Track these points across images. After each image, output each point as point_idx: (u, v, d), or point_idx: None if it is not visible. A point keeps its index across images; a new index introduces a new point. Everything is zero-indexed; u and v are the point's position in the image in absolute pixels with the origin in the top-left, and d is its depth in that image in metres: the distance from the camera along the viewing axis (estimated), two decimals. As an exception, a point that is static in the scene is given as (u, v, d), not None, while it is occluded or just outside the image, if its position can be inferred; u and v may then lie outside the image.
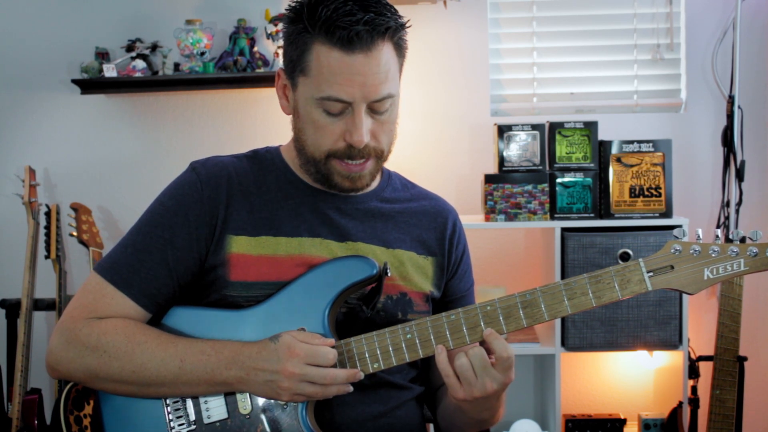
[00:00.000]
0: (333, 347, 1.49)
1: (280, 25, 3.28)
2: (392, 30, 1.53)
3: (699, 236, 1.50)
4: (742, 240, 1.47)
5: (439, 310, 1.59)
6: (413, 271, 1.69)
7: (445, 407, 1.71)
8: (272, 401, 1.52)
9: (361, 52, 1.50)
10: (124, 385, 1.53)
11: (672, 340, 3.00)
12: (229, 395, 1.53)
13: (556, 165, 3.08)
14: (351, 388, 1.50)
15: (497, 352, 1.48)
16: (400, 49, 1.59)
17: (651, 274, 1.48)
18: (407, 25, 1.58)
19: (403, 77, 1.66)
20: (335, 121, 1.55)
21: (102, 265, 1.59)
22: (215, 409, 1.53)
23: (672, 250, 1.48)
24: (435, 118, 3.46)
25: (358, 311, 1.60)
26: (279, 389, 1.47)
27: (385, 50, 1.53)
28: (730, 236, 1.48)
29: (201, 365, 1.50)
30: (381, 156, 1.62)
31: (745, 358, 2.96)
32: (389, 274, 1.60)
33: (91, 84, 3.37)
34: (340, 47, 1.50)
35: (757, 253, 1.45)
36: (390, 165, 1.81)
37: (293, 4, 1.57)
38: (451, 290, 1.78)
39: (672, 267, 1.48)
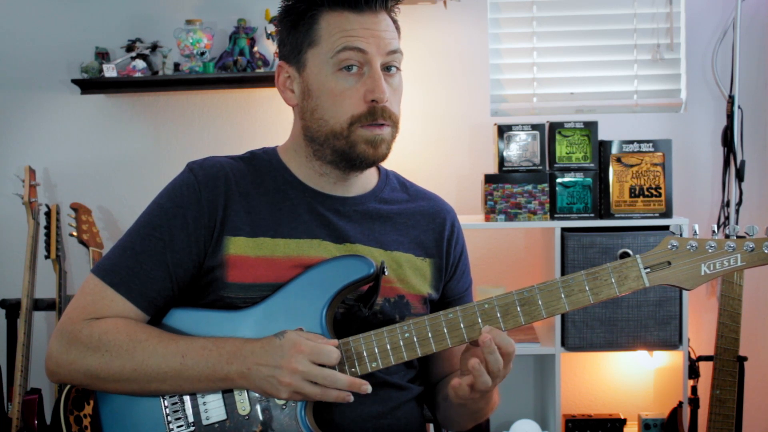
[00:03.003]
0: (336, 347, 1.49)
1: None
2: (389, 1, 1.61)
3: (696, 232, 1.50)
4: (740, 236, 1.47)
5: (438, 311, 1.59)
6: (411, 274, 1.69)
7: (444, 403, 1.71)
8: (271, 402, 1.51)
9: (370, 12, 1.58)
10: (125, 383, 1.53)
11: (672, 340, 3.00)
12: (228, 396, 1.53)
13: (556, 165, 3.08)
14: (351, 398, 1.49)
15: (502, 348, 1.47)
16: (396, 25, 1.64)
17: (648, 270, 1.48)
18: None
19: (403, 77, 1.67)
20: (353, 84, 1.57)
21: (100, 268, 1.58)
22: (214, 410, 1.53)
23: (669, 246, 1.48)
24: (435, 118, 3.46)
25: (356, 311, 1.60)
26: (279, 384, 1.46)
27: (388, 20, 1.61)
28: (727, 232, 1.48)
29: (203, 360, 1.49)
30: (395, 126, 1.63)
31: (745, 358, 2.95)
32: (386, 273, 1.60)
33: (91, 84, 3.37)
34: (349, 9, 1.57)
35: (754, 248, 1.45)
36: (390, 165, 1.81)
37: None
38: (450, 291, 1.78)
39: (669, 263, 1.48)
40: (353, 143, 1.58)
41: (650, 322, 2.98)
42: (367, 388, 1.48)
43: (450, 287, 1.77)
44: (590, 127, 3.09)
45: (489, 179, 3.07)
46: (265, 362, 1.46)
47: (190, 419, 1.53)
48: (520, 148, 3.10)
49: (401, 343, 1.52)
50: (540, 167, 3.09)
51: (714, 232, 1.55)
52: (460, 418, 1.69)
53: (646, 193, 3.05)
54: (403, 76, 1.66)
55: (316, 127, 1.61)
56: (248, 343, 1.49)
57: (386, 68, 1.59)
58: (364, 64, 1.57)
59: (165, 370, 1.50)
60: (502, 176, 3.08)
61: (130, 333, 1.52)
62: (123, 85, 3.37)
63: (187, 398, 1.54)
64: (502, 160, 3.10)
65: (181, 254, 1.58)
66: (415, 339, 1.51)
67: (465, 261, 1.81)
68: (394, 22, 1.63)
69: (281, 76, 1.66)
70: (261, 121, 3.49)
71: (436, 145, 3.46)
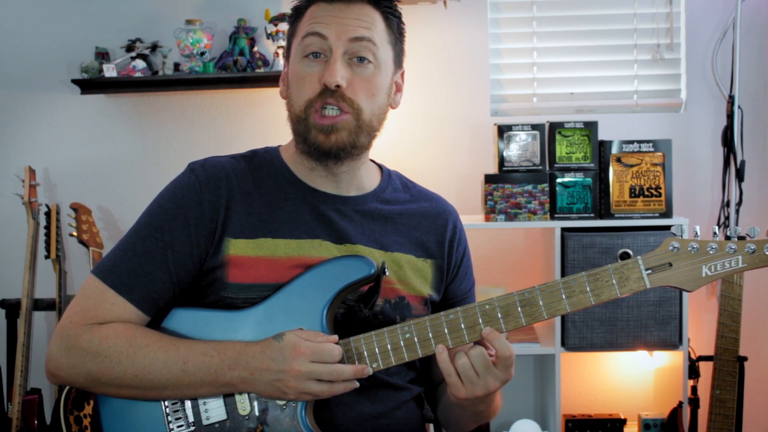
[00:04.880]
0: (336, 344, 1.49)
1: (281, 25, 3.29)
2: None
3: (697, 233, 1.50)
4: (741, 237, 1.47)
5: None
6: (412, 275, 1.69)
7: (445, 403, 1.71)
8: (271, 402, 1.51)
9: (342, 2, 1.60)
10: (126, 389, 1.53)
11: (672, 340, 3.00)
12: (228, 396, 1.53)
13: (556, 165, 3.08)
14: (357, 385, 1.49)
15: (499, 351, 1.48)
16: (389, 21, 1.65)
17: (649, 271, 1.48)
18: None
19: (403, 77, 1.66)
20: (314, 69, 1.59)
21: (101, 269, 1.58)
22: (214, 410, 1.53)
23: (670, 248, 1.48)
24: (435, 118, 3.46)
25: (357, 311, 1.60)
26: (285, 388, 1.46)
27: (369, 11, 1.62)
28: (728, 233, 1.48)
29: (204, 367, 1.49)
30: (359, 115, 1.60)
31: (745, 358, 2.95)
32: (387, 274, 1.60)
33: (91, 84, 3.37)
34: (325, 0, 1.61)
35: (755, 250, 1.45)
36: (390, 164, 1.81)
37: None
38: (453, 292, 1.78)
39: (670, 264, 1.48)
40: (308, 129, 1.60)
41: (650, 322, 2.98)
42: (368, 370, 1.50)
43: (453, 288, 1.77)
44: (590, 127, 3.09)
45: (489, 179, 3.07)
46: (267, 367, 1.47)
47: (190, 419, 1.53)
48: (520, 148, 3.10)
49: (402, 344, 1.52)
50: (540, 167, 3.09)
51: (715, 233, 1.55)
52: (461, 419, 1.69)
53: (646, 193, 3.05)
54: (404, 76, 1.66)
55: (290, 115, 1.65)
56: (248, 347, 1.49)
57: (358, 59, 1.60)
58: (327, 50, 1.59)
59: (167, 377, 1.50)
60: (502, 176, 3.07)
61: (130, 339, 1.52)
62: (123, 85, 3.37)
63: (187, 398, 1.55)
64: (502, 160, 3.10)
65: (182, 255, 1.58)
66: (415, 339, 1.52)
67: (467, 262, 1.81)
68: (387, 18, 1.64)
69: (284, 72, 1.71)
70: (261, 121, 3.49)
71: (436, 145, 3.46)
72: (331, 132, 1.58)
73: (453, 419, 1.71)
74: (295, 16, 1.66)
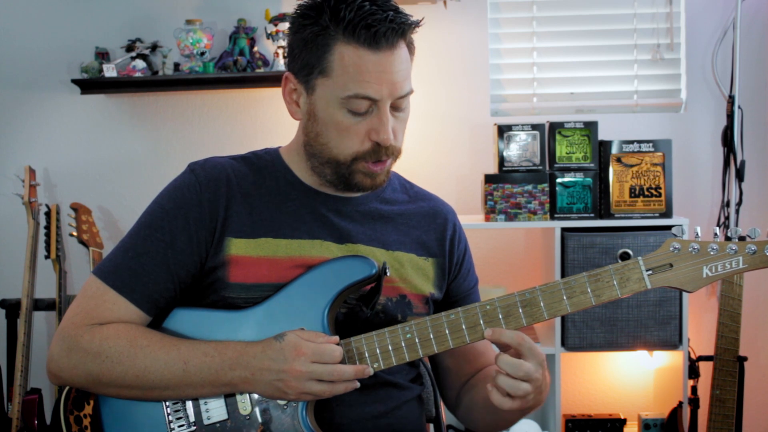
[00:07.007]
0: (337, 345, 1.50)
1: (281, 25, 3.28)
2: (410, 28, 1.56)
3: (698, 234, 1.51)
4: (741, 238, 1.47)
5: (444, 310, 1.59)
6: (413, 273, 1.69)
7: (471, 403, 1.70)
8: (272, 402, 1.52)
9: (388, 49, 1.52)
10: (127, 389, 1.53)
11: (672, 340, 3.00)
12: (229, 396, 1.53)
13: (556, 165, 3.08)
14: (358, 385, 1.50)
15: (511, 343, 1.46)
16: (411, 47, 1.61)
17: (650, 272, 1.49)
18: (421, 23, 1.59)
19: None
20: (360, 121, 1.55)
21: (102, 270, 1.58)
22: (215, 410, 1.53)
23: (671, 248, 1.49)
24: (435, 118, 3.46)
25: (358, 311, 1.60)
26: (286, 388, 1.47)
27: (405, 52, 1.57)
28: (729, 234, 1.48)
29: (205, 367, 1.49)
30: (397, 156, 1.62)
31: (745, 358, 2.96)
32: (388, 274, 1.60)
33: (91, 84, 3.37)
34: (366, 46, 1.51)
35: (756, 251, 1.45)
36: (390, 164, 1.82)
37: (306, 6, 1.56)
38: (456, 290, 1.78)
39: (671, 265, 1.48)
40: (353, 172, 1.59)
41: (650, 322, 2.98)
42: (369, 371, 1.50)
43: (456, 286, 1.78)
44: (590, 127, 3.09)
45: (489, 179, 3.08)
46: (267, 367, 1.47)
47: (191, 419, 1.53)
48: (520, 148, 3.10)
49: (403, 344, 1.52)
50: (540, 167, 3.09)
51: (716, 234, 1.56)
52: (485, 422, 1.68)
53: (646, 193, 3.05)
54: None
55: (318, 149, 1.60)
56: (249, 347, 1.49)
57: (395, 106, 1.57)
58: (373, 104, 1.54)
59: (168, 377, 1.50)
60: (502, 176, 3.08)
61: (131, 339, 1.52)
62: (123, 85, 3.37)
63: (188, 398, 1.55)
64: (502, 160, 3.10)
65: (182, 255, 1.58)
66: (416, 339, 1.52)
67: (469, 259, 1.82)
68: (409, 45, 1.59)
69: (287, 86, 1.63)
70: (261, 121, 3.49)
71: (436, 145, 3.46)
72: (377, 176, 1.60)
73: (477, 420, 1.71)
74: (322, 49, 1.53)
